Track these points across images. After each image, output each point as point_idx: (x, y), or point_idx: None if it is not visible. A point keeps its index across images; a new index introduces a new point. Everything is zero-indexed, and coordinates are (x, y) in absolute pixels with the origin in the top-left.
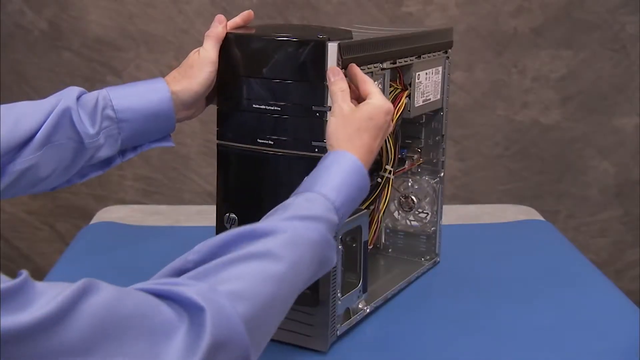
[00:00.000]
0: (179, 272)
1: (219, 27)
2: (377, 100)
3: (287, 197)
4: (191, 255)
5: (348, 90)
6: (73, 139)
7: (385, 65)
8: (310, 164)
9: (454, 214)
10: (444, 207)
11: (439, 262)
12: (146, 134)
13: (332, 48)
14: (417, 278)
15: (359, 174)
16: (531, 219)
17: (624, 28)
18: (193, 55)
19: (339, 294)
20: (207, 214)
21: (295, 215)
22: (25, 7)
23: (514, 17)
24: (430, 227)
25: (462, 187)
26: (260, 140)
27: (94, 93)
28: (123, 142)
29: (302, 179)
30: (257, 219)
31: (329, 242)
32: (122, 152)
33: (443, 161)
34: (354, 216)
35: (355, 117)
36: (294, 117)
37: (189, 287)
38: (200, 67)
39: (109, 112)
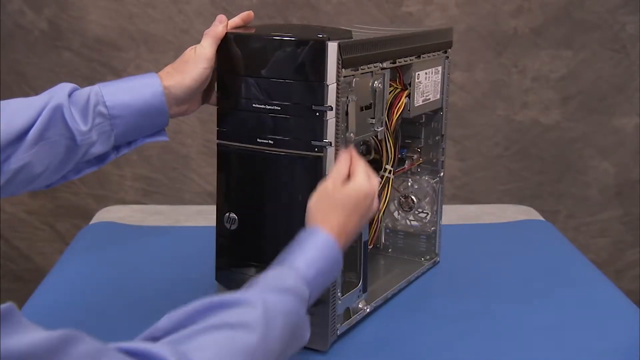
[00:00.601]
0: (151, 340)
1: (220, 26)
2: (357, 182)
3: (287, 196)
4: (161, 323)
5: (343, 171)
6: (65, 136)
7: (385, 64)
8: (310, 164)
9: (454, 214)
10: (444, 207)
11: (439, 262)
12: (139, 129)
13: (332, 48)
14: (417, 278)
15: (331, 250)
16: (531, 219)
17: (624, 28)
18: (189, 52)
19: (339, 294)
20: (207, 214)
21: (265, 287)
22: (25, 7)
23: (514, 17)
24: (430, 227)
25: (462, 187)
26: (260, 140)
27: (86, 89)
28: (116, 138)
29: (302, 179)
30: (257, 218)
31: (299, 314)
32: (117, 148)
33: (443, 161)
34: None
35: (335, 196)
36: (294, 117)
37: (165, 349)
38: (194, 62)
39: (101, 108)
